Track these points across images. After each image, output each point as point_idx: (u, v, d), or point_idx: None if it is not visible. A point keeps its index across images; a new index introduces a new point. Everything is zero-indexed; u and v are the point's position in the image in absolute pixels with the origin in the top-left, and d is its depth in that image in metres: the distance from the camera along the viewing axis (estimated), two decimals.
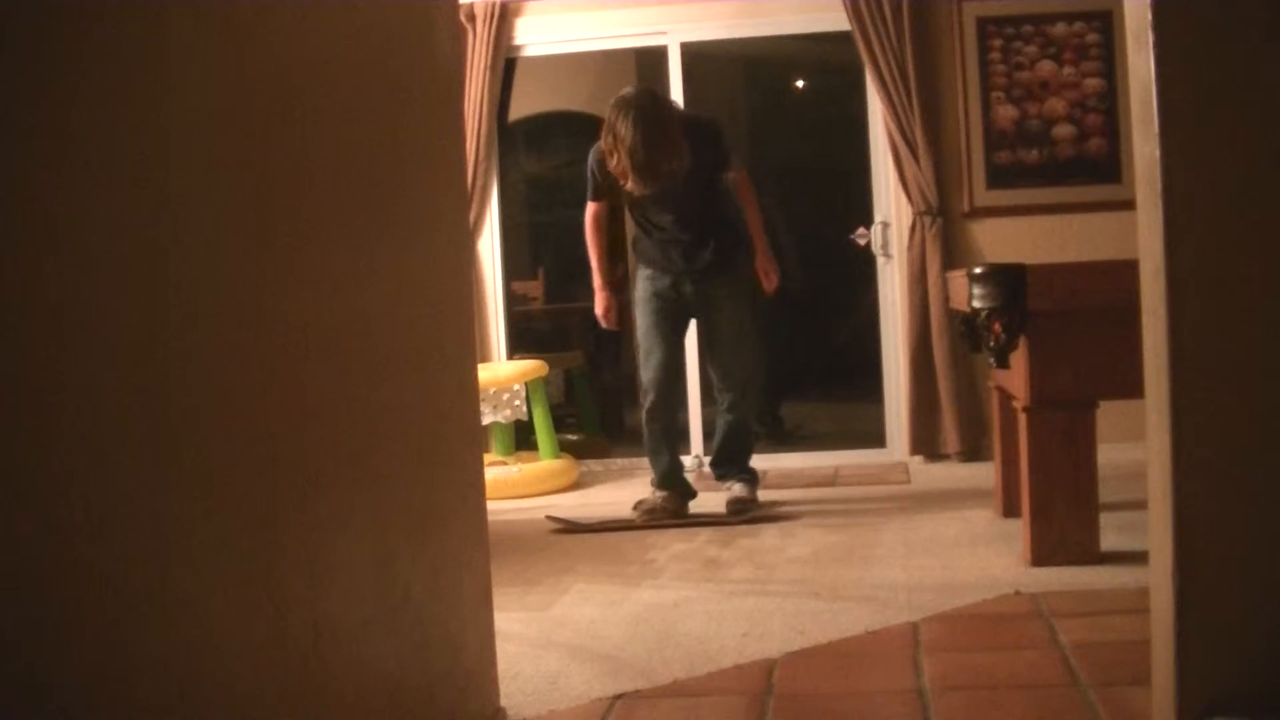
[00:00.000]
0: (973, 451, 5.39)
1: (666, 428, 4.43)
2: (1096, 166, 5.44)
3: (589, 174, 4.33)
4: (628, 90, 4.12)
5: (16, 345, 1.02)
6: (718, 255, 4.31)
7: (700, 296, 4.38)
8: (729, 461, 4.51)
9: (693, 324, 4.63)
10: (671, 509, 4.37)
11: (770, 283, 4.41)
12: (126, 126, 1.18)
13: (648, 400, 4.38)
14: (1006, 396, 3.82)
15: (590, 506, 4.85)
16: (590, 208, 4.44)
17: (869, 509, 4.40)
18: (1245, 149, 1.64)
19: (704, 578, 3.45)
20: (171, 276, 1.24)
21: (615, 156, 4.01)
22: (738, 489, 4.42)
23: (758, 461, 5.37)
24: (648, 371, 4.38)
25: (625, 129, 3.95)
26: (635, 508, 4.41)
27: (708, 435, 5.72)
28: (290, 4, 1.55)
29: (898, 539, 3.81)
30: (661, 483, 4.41)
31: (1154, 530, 1.74)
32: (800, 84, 7.80)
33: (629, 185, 4.06)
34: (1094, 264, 3.63)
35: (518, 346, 6.17)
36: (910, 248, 5.47)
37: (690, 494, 4.48)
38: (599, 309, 4.53)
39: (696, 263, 4.32)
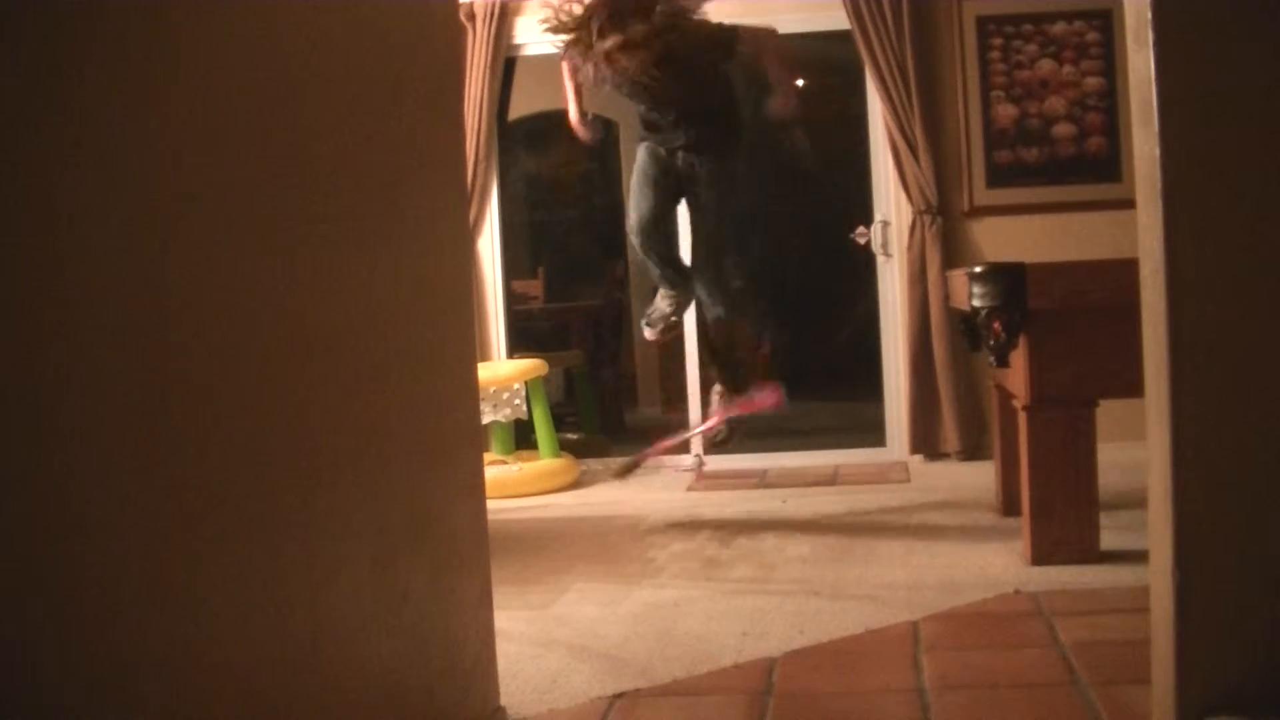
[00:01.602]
0: (973, 450, 5.39)
1: (659, 252, 4.30)
2: (1096, 165, 5.43)
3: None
4: None
5: (16, 345, 1.02)
6: (708, 135, 4.15)
7: (688, 171, 4.23)
8: (718, 362, 4.41)
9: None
10: (678, 312, 4.36)
11: (785, 109, 4.09)
12: (126, 126, 1.18)
13: (636, 240, 4.28)
14: (1006, 395, 3.82)
15: (591, 505, 4.86)
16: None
17: (869, 508, 4.41)
18: (1245, 149, 1.64)
19: (704, 577, 3.45)
20: (171, 276, 1.24)
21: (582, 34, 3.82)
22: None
23: (758, 460, 5.36)
24: (634, 215, 4.25)
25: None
26: (645, 319, 4.45)
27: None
28: (289, 3, 1.54)
29: (897, 538, 3.81)
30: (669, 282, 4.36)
31: (1154, 530, 1.74)
32: (800, 83, 7.79)
33: (606, 48, 3.81)
34: (1094, 263, 3.63)
35: (517, 345, 6.17)
36: (910, 247, 5.47)
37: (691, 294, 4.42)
38: (572, 118, 4.30)
39: (686, 138, 4.18)
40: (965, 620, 2.81)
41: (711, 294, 4.32)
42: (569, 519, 4.59)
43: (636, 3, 3.82)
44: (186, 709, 1.23)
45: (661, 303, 4.42)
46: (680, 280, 4.39)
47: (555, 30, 3.89)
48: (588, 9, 3.84)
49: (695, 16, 4.05)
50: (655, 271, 4.41)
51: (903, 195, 5.51)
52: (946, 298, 5.04)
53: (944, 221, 5.43)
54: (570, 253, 8.03)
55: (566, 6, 3.85)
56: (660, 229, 4.33)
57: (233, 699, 1.32)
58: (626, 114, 7.71)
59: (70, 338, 1.08)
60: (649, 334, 4.45)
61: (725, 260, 4.31)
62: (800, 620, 2.87)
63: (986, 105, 5.48)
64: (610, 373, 7.65)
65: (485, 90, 5.68)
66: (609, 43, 3.79)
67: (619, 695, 2.39)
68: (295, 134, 1.55)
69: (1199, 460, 1.65)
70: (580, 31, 3.84)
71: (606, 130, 7.80)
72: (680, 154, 4.23)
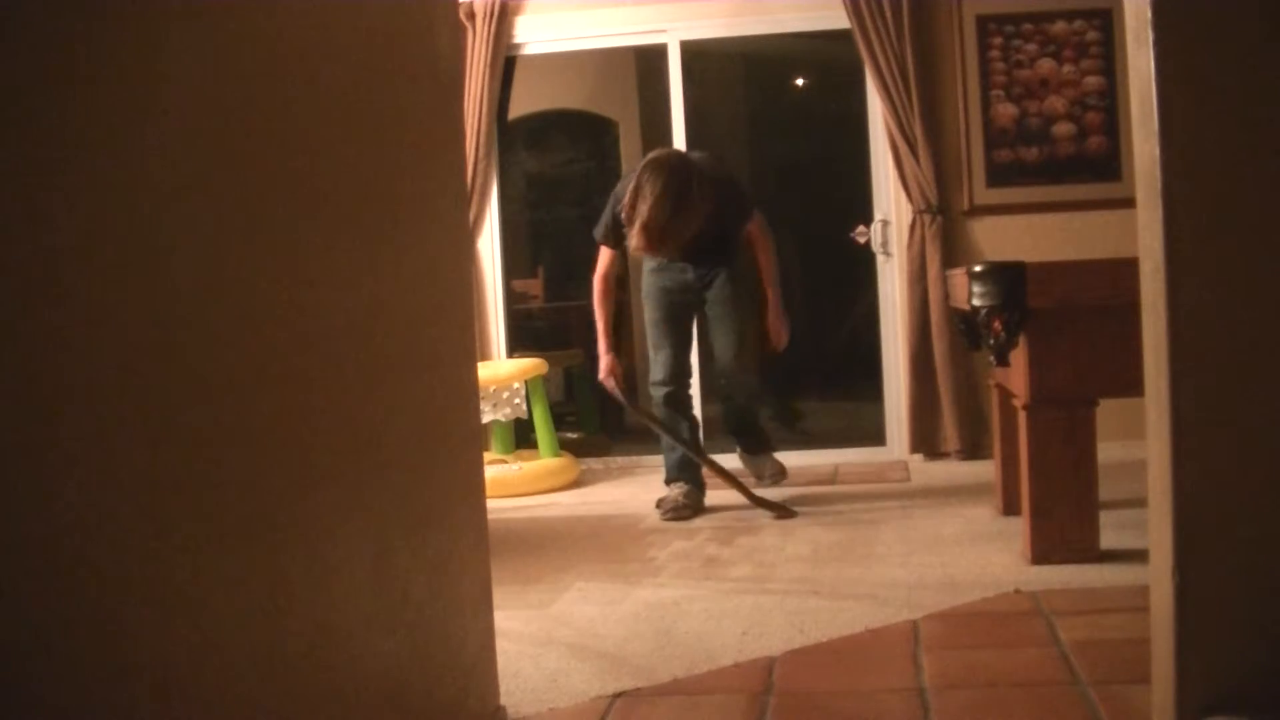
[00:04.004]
0: (972, 449, 5.39)
1: (683, 412, 4.51)
2: (1096, 164, 5.44)
3: (609, 214, 4.29)
4: (661, 152, 4.16)
5: (16, 345, 1.02)
6: (724, 269, 4.41)
7: (703, 293, 4.45)
8: (743, 433, 4.79)
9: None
10: (693, 504, 4.40)
11: (779, 340, 4.60)
12: (125, 126, 1.18)
13: (662, 392, 4.44)
14: (1006, 394, 3.82)
15: (591, 505, 4.85)
16: (603, 257, 4.42)
17: (869, 507, 4.40)
18: (1245, 148, 1.64)
19: (704, 576, 3.45)
20: (170, 276, 1.24)
21: (632, 215, 4.01)
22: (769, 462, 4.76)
23: None
24: (659, 367, 4.45)
25: (650, 193, 3.93)
26: (658, 506, 4.44)
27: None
28: (288, 2, 1.54)
29: (897, 537, 3.81)
30: (680, 474, 4.44)
31: (1154, 529, 1.74)
32: (800, 82, 7.79)
33: (634, 245, 4.08)
34: (1094, 262, 3.63)
35: (517, 344, 6.17)
36: (910, 246, 5.47)
37: (703, 488, 4.52)
38: (603, 373, 4.51)
39: (702, 280, 4.44)
40: (965, 619, 2.81)
41: (736, 389, 4.60)
42: (569, 519, 4.59)
43: (679, 199, 3.99)
44: (185, 709, 1.23)
45: (676, 491, 4.42)
46: (691, 470, 4.45)
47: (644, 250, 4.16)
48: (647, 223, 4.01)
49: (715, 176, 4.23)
50: (668, 431, 4.44)
51: (902, 194, 5.51)
52: (946, 297, 5.04)
53: (944, 221, 5.43)
54: (570, 252, 8.03)
55: (638, 242, 4.07)
56: (684, 382, 4.51)
57: (232, 699, 1.32)
58: (625, 114, 7.72)
59: (70, 338, 1.08)
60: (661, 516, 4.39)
61: (750, 358, 4.52)
62: (800, 619, 2.87)
63: (986, 104, 5.48)
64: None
65: (485, 90, 5.68)
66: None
67: (619, 694, 2.39)
68: (294, 133, 1.55)
69: (1199, 460, 1.65)
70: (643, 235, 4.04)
71: (607, 130, 7.81)
72: (692, 269, 4.41)
